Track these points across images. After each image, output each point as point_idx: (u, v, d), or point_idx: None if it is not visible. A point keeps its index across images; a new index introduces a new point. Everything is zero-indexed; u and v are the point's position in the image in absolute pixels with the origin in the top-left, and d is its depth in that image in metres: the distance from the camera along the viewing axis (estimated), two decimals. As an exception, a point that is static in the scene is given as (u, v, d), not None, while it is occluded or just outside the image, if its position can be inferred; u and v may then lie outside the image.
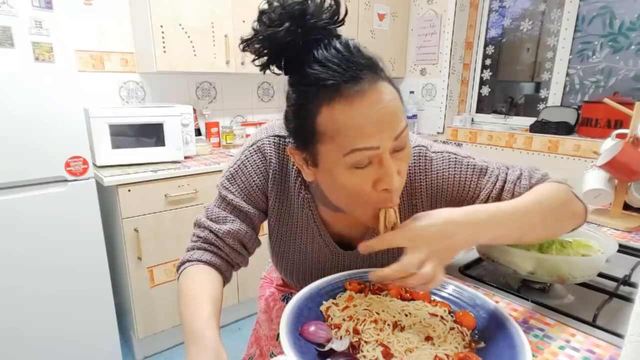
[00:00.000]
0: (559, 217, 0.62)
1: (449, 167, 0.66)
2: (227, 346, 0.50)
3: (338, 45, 0.51)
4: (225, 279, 0.68)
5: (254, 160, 0.69)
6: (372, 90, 0.50)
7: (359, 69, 0.49)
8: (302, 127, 0.54)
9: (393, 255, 0.72)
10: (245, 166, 0.69)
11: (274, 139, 0.69)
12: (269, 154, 0.68)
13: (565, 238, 0.75)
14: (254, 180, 0.68)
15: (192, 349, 0.49)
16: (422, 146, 0.68)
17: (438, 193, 0.67)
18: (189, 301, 0.57)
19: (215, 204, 0.70)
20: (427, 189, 0.67)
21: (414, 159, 0.67)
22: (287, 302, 0.87)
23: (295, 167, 0.68)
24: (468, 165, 0.66)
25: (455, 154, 0.67)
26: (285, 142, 0.68)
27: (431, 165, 0.67)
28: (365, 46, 0.54)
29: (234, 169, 0.69)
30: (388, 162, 0.51)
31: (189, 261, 0.65)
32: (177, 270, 0.66)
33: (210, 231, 0.67)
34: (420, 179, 0.67)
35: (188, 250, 0.68)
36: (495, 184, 0.65)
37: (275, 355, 0.86)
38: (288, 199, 0.71)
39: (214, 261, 0.66)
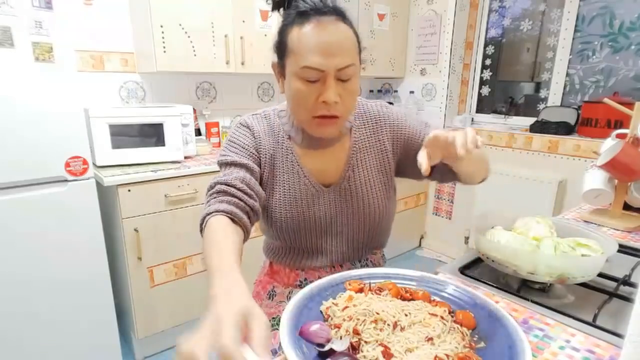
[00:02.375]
0: (486, 160, 0.85)
1: (406, 116, 0.89)
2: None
3: None
4: (246, 231, 0.70)
5: (242, 132, 0.83)
6: (332, 24, 0.69)
7: (329, 8, 0.70)
8: (279, 42, 0.74)
9: (369, 191, 0.86)
10: (236, 137, 0.82)
11: (253, 115, 0.86)
12: (252, 124, 0.84)
13: (565, 238, 0.75)
14: (246, 142, 0.81)
15: (215, 280, 0.49)
16: (383, 102, 0.90)
17: (397, 133, 0.87)
18: (214, 249, 0.58)
19: (220, 174, 0.77)
20: (390, 128, 0.87)
21: (377, 107, 0.88)
22: (271, 299, 0.89)
23: (277, 126, 0.84)
24: (416, 119, 0.90)
25: (408, 112, 0.92)
26: (262, 115, 0.85)
27: (391, 112, 0.88)
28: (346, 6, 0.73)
29: (227, 143, 0.82)
30: (330, 82, 0.69)
31: (208, 214, 0.67)
32: (200, 225, 0.68)
33: (221, 183, 0.73)
34: (384, 119, 0.87)
35: (206, 209, 0.70)
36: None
37: None
38: (275, 153, 0.83)
39: (232, 210, 0.68)
